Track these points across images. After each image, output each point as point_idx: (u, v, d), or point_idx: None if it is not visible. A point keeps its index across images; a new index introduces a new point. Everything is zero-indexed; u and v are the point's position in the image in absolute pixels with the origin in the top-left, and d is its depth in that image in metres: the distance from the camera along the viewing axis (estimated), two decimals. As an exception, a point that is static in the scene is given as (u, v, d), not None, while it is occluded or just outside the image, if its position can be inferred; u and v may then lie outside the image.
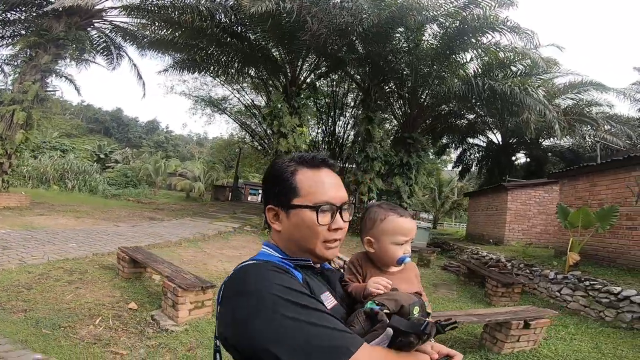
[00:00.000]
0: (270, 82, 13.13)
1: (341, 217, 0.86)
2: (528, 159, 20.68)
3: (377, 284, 0.89)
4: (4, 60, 11.80)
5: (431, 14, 10.84)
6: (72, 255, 5.67)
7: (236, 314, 0.72)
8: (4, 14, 10.85)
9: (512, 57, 12.22)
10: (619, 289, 4.86)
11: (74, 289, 4.25)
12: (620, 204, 6.33)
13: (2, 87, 10.26)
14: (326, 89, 17.00)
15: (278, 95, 11.75)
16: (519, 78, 12.43)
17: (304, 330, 0.67)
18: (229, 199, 21.10)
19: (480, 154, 21.97)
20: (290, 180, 0.84)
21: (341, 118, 19.07)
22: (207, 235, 9.17)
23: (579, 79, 15.91)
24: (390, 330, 0.74)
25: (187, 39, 10.60)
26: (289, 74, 12.05)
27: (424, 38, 12.20)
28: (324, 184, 0.85)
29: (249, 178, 30.78)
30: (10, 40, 11.61)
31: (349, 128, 18.76)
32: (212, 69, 12.95)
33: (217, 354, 0.85)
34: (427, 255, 9.23)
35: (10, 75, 10.84)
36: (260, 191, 19.16)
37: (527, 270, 6.94)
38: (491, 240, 11.35)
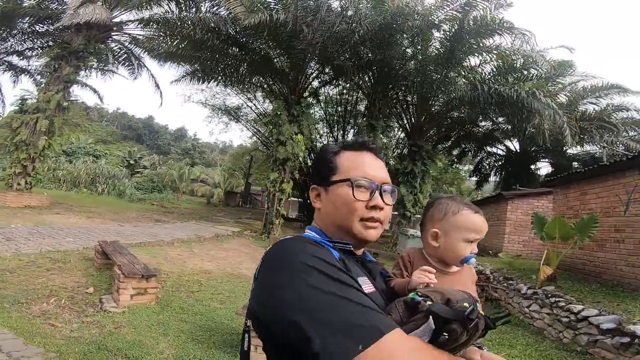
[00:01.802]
0: (275, 90, 13.67)
1: (381, 197, 0.84)
2: (552, 168, 19.77)
3: (423, 273, 0.84)
4: (37, 70, 13.23)
5: (429, 18, 10.88)
6: (64, 248, 6.28)
7: (265, 284, 0.71)
8: (32, 27, 12.17)
9: (522, 60, 11.87)
10: (579, 307, 4.45)
11: (49, 275, 4.77)
12: (609, 214, 6.04)
13: (29, 97, 11.43)
14: (338, 97, 17.34)
15: (279, 104, 12.19)
16: (533, 82, 12.01)
17: (335, 303, 0.63)
18: (240, 204, 21.80)
19: (500, 163, 21.27)
20: (332, 160, 0.87)
21: (354, 127, 19.36)
22: (203, 237, 9.64)
23: (599, 83, 15.18)
24: (431, 323, 0.65)
25: (191, 50, 11.33)
26: (291, 82, 12.49)
27: (430, 43, 12.18)
28: (363, 163, 0.86)
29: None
30: (40, 51, 13.00)
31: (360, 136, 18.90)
32: (219, 79, 13.67)
33: (246, 334, 0.83)
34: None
35: (40, 85, 12.05)
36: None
37: (505, 284, 6.71)
38: (490, 252, 10.99)
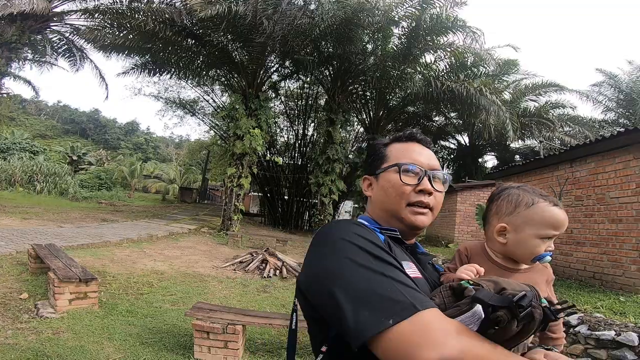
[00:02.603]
0: (233, 84, 13.24)
1: (430, 182, 0.84)
2: (497, 161, 21.17)
3: (468, 269, 0.77)
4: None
5: (389, 15, 11.04)
6: (-7, 253, 5.66)
7: (310, 258, 0.73)
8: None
9: (472, 58, 12.47)
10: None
11: (-25, 283, 4.28)
12: None
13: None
14: (299, 91, 17.19)
15: (236, 97, 11.84)
16: (482, 79, 12.61)
17: (370, 277, 0.64)
18: (197, 201, 21.05)
19: (452, 156, 22.41)
20: (382, 150, 0.91)
21: (315, 120, 19.33)
22: (156, 236, 9.17)
23: (539, 81, 16.41)
24: (480, 312, 0.58)
25: (141, 42, 10.62)
26: (249, 76, 12.17)
27: (390, 40, 12.37)
28: (412, 151, 0.87)
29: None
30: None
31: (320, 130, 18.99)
32: (173, 71, 12.98)
33: (294, 314, 0.84)
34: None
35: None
36: None
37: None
38: (443, 242, 11.61)
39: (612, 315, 3.70)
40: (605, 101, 17.76)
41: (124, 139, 47.12)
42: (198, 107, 19.39)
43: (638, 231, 4.22)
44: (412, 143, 0.90)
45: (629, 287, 4.32)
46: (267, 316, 3.47)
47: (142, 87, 20.00)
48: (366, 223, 0.82)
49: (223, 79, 13.56)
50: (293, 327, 0.86)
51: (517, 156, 20.51)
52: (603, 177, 4.77)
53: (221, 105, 17.28)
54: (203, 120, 20.05)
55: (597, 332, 3.38)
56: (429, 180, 0.84)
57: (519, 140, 18.62)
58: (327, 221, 14.08)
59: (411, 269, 0.76)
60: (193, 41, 11.38)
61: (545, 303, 0.61)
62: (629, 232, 4.35)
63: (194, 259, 7.55)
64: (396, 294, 0.61)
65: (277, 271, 6.98)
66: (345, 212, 21.64)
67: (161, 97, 18.80)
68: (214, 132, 19.13)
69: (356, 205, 15.82)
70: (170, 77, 14.00)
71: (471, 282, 0.66)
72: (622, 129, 4.66)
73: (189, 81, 15.24)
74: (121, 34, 10.65)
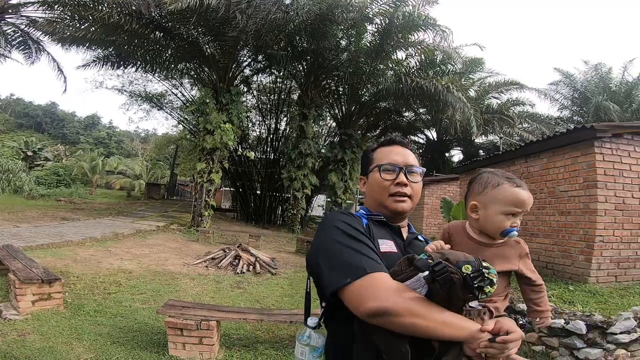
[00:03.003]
0: (203, 78, 12.86)
1: (405, 176, 1.06)
2: (463, 156, 22.08)
3: (432, 245, 0.92)
4: None
5: (364, 11, 11.10)
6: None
7: (314, 238, 0.99)
8: None
9: (441, 56, 12.80)
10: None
11: None
12: None
13: None
14: (272, 85, 16.99)
15: (206, 91, 11.55)
16: (450, 77, 12.97)
17: (342, 250, 0.88)
18: (165, 197, 20.42)
19: (420, 150, 23.12)
20: (370, 155, 1.15)
21: (288, 115, 19.20)
22: (122, 235, 8.85)
23: (502, 79, 17.21)
24: (422, 276, 0.75)
25: (105, 34, 10.05)
26: (221, 70, 11.88)
27: (363, 36, 12.45)
28: (391, 153, 1.10)
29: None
30: None
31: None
32: (138, 64, 12.39)
33: (308, 280, 1.03)
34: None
35: None
36: None
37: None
38: (414, 233, 12.06)
39: (562, 304, 3.82)
40: (562, 99, 18.96)
41: (83, 134, 44.34)
42: (166, 101, 18.70)
43: (585, 223, 4.51)
44: (392, 146, 1.13)
45: (578, 277, 4.54)
46: (241, 311, 3.51)
47: (105, 80, 18.90)
48: (363, 211, 1.10)
49: (193, 72, 13.15)
50: (307, 290, 1.06)
51: (481, 151, 21.49)
52: (554, 172, 5.14)
53: (191, 99, 16.78)
54: (171, 114, 19.40)
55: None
56: (405, 174, 1.06)
57: (483, 136, 19.48)
58: (300, 216, 14.19)
59: (386, 245, 0.99)
60: (161, 34, 10.86)
61: (467, 272, 0.74)
62: (577, 224, 4.64)
63: (163, 256, 7.38)
64: (356, 262, 0.85)
65: (251, 267, 6.98)
66: (319, 206, 21.72)
67: (125, 91, 17.96)
68: (183, 126, 18.54)
69: (329, 200, 15.96)
70: (136, 70, 13.37)
71: (428, 254, 0.81)
72: (573, 127, 5.06)
73: (156, 74, 14.62)
74: (82, 27, 9.98)
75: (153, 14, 9.95)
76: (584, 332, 3.22)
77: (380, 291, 0.79)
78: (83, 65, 12.47)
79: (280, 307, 4.78)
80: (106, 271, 5.70)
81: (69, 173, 24.07)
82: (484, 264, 0.79)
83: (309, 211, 18.27)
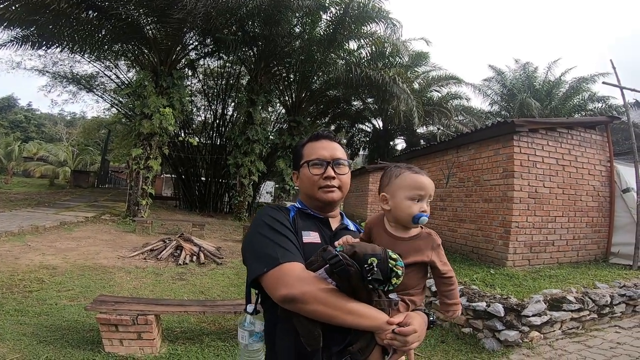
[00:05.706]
0: (141, 60, 11.75)
1: (332, 169, 1.11)
2: (406, 145, 23.21)
3: (343, 238, 0.98)
4: None
5: (320, 0, 10.92)
6: None
7: (247, 232, 1.07)
8: None
9: (390, 48, 13.11)
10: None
11: None
12: (438, 185, 7.41)
13: None
14: (220, 70, 16.13)
15: (145, 74, 10.63)
16: (397, 69, 13.32)
17: (264, 242, 0.96)
18: (95, 185, 18.71)
19: (367, 139, 23.80)
20: (300, 150, 1.19)
21: (236, 100, 18.40)
22: (44, 227, 7.98)
23: (443, 74, 18.27)
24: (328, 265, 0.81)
25: (25, 14, 8.68)
26: (163, 52, 10.94)
27: (317, 24, 12.32)
28: (318, 148, 1.14)
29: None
30: None
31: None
32: (65, 44, 10.90)
33: (248, 284, 1.02)
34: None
35: None
36: None
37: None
38: (357, 220, 12.51)
39: (484, 287, 3.95)
40: (492, 95, 20.63)
41: (-5, 117, 38.34)
42: (97, 83, 16.88)
43: (504, 210, 4.95)
44: (320, 141, 1.17)
45: (498, 261, 4.86)
46: (182, 304, 3.42)
47: (23, 61, 16.48)
48: (298, 205, 1.17)
49: (130, 54, 11.99)
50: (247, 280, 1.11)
51: (422, 141, 22.82)
52: (479, 162, 5.64)
53: (127, 82, 15.34)
54: (102, 97, 17.59)
55: (473, 304, 3.61)
56: (332, 168, 1.11)
57: (424, 127, 20.66)
58: (247, 202, 13.94)
59: (309, 237, 1.05)
60: (95, 14, 9.63)
61: (373, 264, 0.80)
62: (497, 211, 5.09)
63: (94, 249, 6.82)
64: (274, 252, 0.92)
65: (194, 257, 6.76)
66: (267, 192, 21.48)
67: (48, 72, 15.86)
68: (117, 109, 16.94)
69: (277, 186, 15.85)
70: (61, 51, 11.78)
71: (340, 246, 0.88)
72: (497, 121, 5.58)
73: (87, 55, 13.06)
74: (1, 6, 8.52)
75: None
76: (503, 314, 3.38)
77: (290, 280, 0.86)
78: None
79: (226, 297, 4.72)
80: (25, 268, 5.14)
81: (-24, 159, 20.89)
82: (393, 255, 0.85)
83: (257, 198, 18.00)
